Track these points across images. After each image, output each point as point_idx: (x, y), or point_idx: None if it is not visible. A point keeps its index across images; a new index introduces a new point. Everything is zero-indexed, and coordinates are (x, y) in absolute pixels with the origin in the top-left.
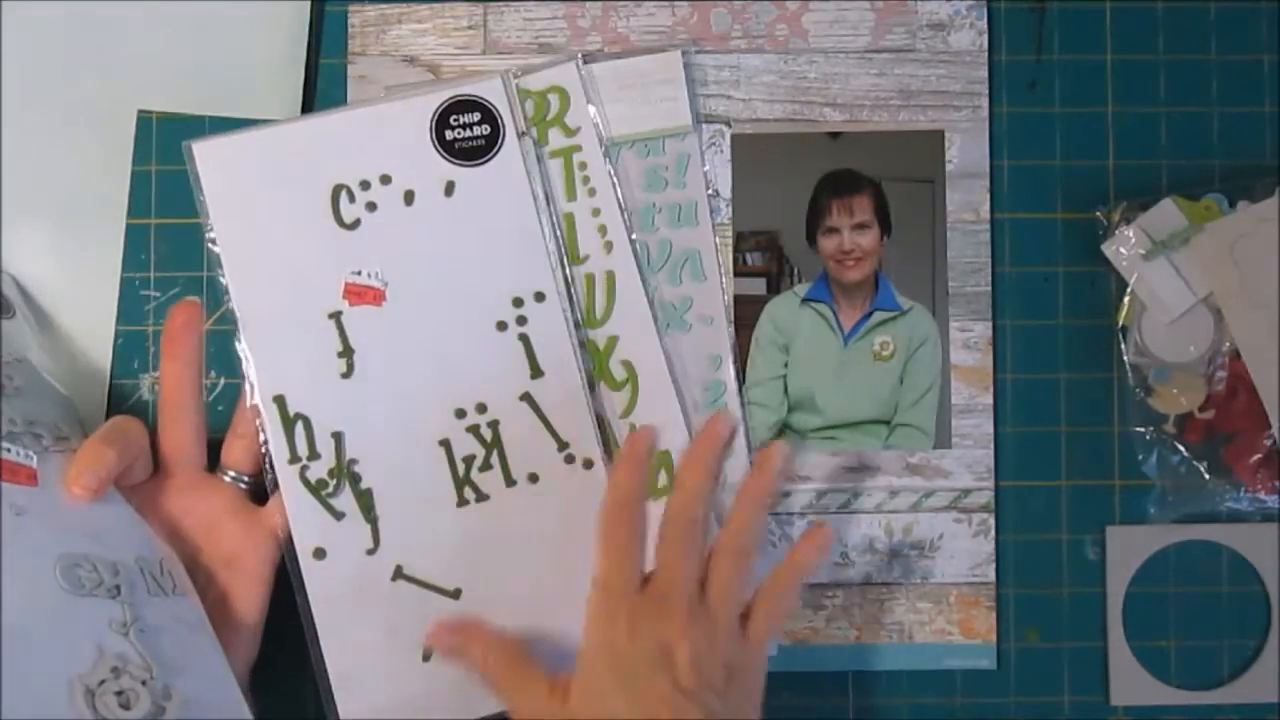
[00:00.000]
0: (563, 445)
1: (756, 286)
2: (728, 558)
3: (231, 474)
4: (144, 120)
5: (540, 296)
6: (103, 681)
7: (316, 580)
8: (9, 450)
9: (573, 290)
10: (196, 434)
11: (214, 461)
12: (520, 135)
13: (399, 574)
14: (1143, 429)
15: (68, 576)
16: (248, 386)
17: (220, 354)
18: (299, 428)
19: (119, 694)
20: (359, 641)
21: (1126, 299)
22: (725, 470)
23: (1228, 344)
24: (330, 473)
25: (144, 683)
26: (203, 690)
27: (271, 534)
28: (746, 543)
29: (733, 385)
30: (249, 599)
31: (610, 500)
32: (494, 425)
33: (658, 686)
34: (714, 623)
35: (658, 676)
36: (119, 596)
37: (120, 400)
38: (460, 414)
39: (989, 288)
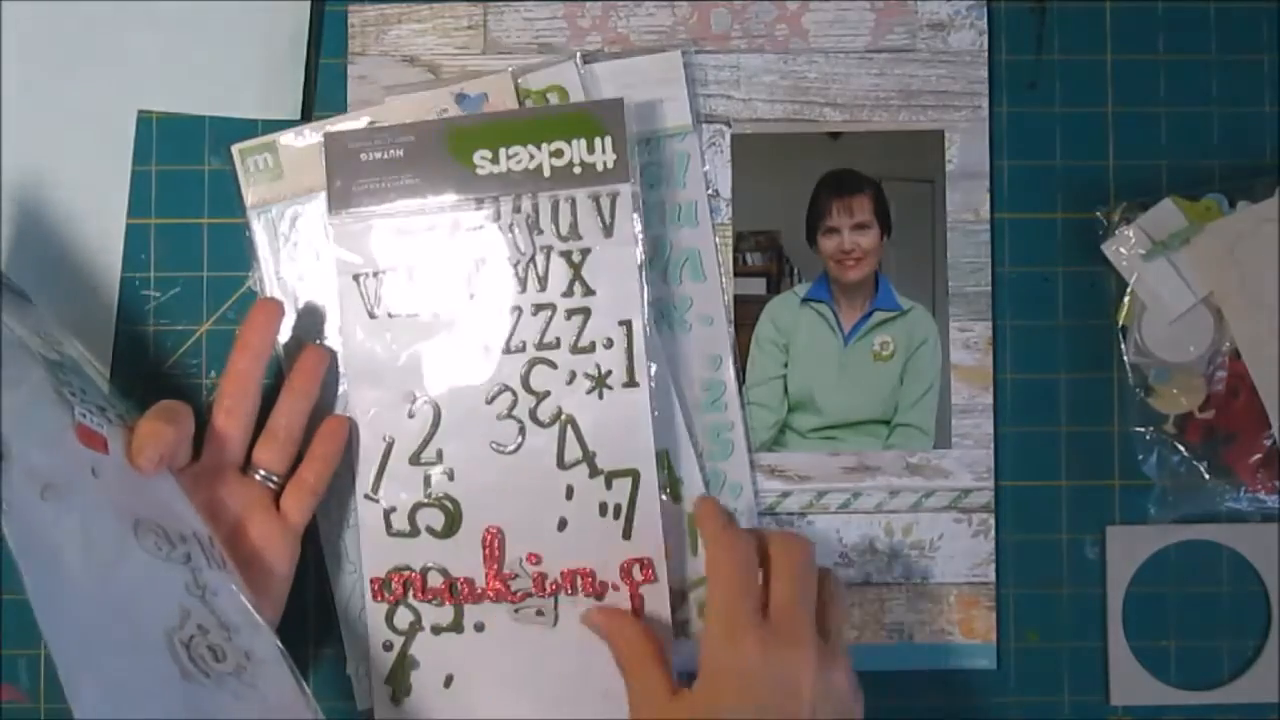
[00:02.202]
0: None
1: (756, 286)
2: (837, 603)
3: (262, 473)
4: (144, 120)
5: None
6: (192, 636)
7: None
8: (84, 416)
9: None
10: (245, 431)
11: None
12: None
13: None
14: (1143, 429)
15: (142, 540)
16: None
17: (222, 354)
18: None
19: (210, 648)
20: None
21: (1126, 299)
22: (724, 471)
23: (1228, 344)
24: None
25: (228, 640)
26: (267, 657)
27: (294, 534)
28: (839, 578)
29: (733, 385)
30: (271, 597)
31: (716, 531)
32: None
33: (786, 714)
34: (834, 655)
35: (787, 705)
36: (189, 563)
37: (121, 400)
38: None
39: (989, 288)
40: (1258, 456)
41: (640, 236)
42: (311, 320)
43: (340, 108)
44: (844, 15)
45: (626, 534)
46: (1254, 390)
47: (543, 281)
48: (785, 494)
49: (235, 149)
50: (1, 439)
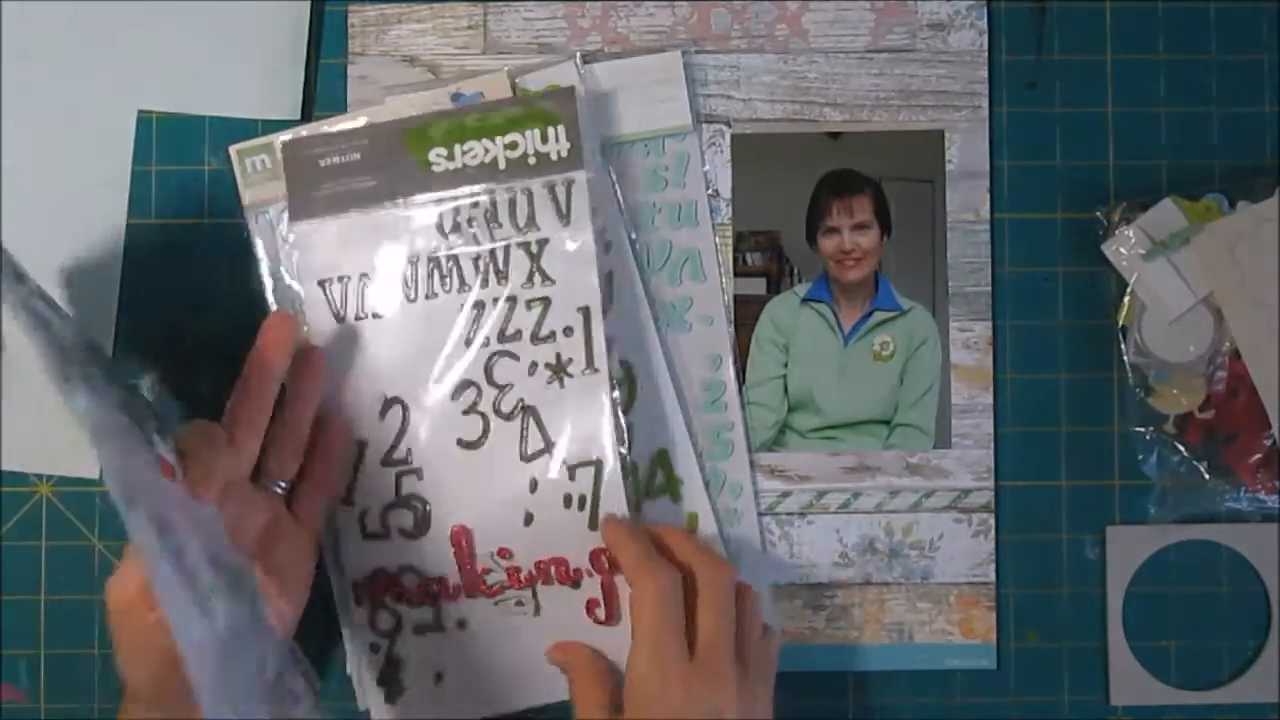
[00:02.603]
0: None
1: (756, 286)
2: (754, 625)
3: (270, 481)
4: (144, 120)
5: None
6: (278, 677)
7: None
8: (158, 443)
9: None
10: (259, 444)
11: None
12: None
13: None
14: (1143, 429)
15: (217, 577)
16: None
17: (222, 354)
18: None
19: (289, 691)
20: None
21: (1126, 299)
22: (724, 471)
23: (1228, 344)
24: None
25: (305, 678)
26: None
27: (313, 537)
28: (761, 610)
29: (733, 385)
30: (296, 602)
31: (636, 561)
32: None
33: None
34: (753, 689)
35: None
36: (253, 602)
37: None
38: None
39: (989, 288)
40: (1258, 456)
41: (595, 222)
42: (310, 321)
43: (340, 108)
44: (844, 15)
45: (592, 525)
46: (1254, 390)
47: (502, 274)
48: (785, 494)
49: (233, 150)
50: (123, 485)
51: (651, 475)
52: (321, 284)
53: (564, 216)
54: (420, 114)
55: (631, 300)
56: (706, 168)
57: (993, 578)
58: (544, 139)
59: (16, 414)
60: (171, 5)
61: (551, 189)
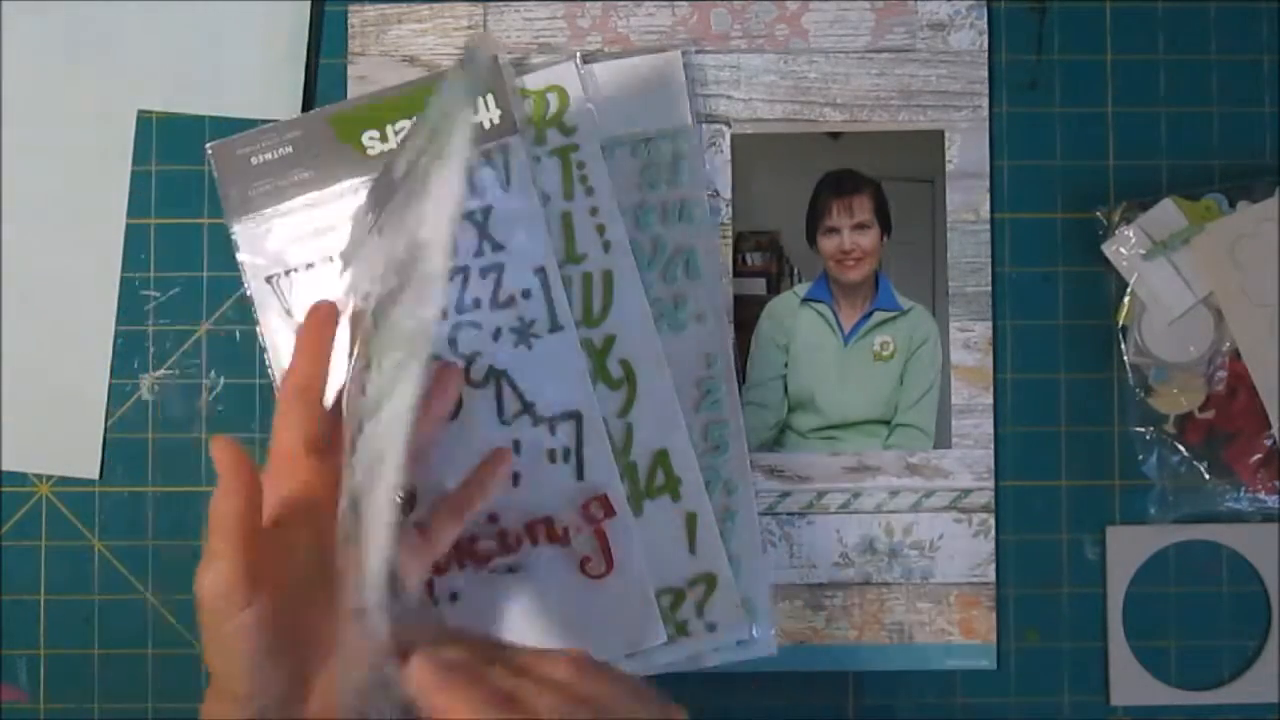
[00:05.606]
0: None
1: (756, 286)
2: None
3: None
4: (144, 120)
5: None
6: None
7: None
8: None
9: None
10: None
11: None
12: None
13: None
14: (1143, 429)
15: None
16: None
17: (223, 354)
18: None
19: None
20: None
21: (1126, 299)
22: (724, 471)
23: (1228, 344)
24: None
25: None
26: None
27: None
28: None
29: (732, 385)
30: None
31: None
32: None
33: None
34: None
35: None
36: None
37: (120, 400)
38: None
39: (989, 288)
40: (1258, 456)
41: (535, 184)
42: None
43: None
44: (844, 15)
45: (579, 474)
46: (1254, 390)
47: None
48: (785, 494)
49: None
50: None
51: (651, 475)
52: (269, 279)
53: (504, 182)
54: (347, 100)
55: (631, 300)
56: (706, 168)
57: (993, 578)
58: (474, 109)
59: (16, 414)
60: (171, 5)
61: (487, 156)
